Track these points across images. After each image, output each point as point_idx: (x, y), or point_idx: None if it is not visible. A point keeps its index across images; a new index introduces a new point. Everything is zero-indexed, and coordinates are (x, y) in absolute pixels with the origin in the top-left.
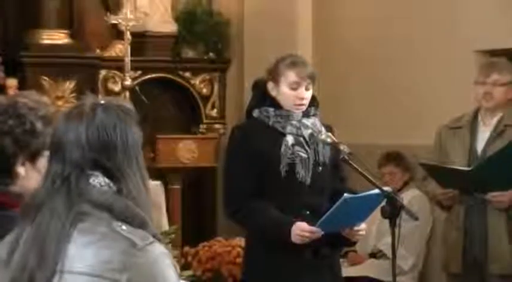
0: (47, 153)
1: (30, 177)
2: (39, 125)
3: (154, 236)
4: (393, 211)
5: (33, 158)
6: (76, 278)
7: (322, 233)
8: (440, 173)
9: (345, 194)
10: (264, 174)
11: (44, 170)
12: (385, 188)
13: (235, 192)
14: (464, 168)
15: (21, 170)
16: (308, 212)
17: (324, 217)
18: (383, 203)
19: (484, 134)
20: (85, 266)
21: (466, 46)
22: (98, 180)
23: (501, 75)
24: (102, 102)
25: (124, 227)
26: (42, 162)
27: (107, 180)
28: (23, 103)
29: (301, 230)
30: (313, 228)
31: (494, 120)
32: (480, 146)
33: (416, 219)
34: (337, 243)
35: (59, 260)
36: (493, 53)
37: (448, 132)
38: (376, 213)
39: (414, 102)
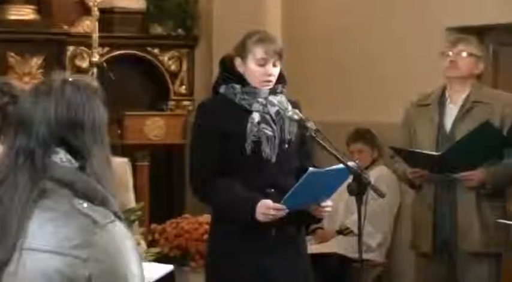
0: None
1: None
2: None
3: (115, 214)
4: (359, 188)
5: None
6: (36, 255)
7: (287, 210)
8: (409, 156)
9: (310, 168)
10: (229, 152)
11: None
12: (350, 164)
13: (200, 168)
14: (434, 153)
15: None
16: (273, 190)
17: (288, 193)
18: (349, 180)
19: (452, 112)
20: (45, 243)
21: (436, 23)
22: (59, 156)
23: (467, 46)
24: (71, 79)
25: (85, 205)
26: None
27: (68, 156)
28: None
29: (266, 207)
30: (278, 205)
31: (462, 97)
32: (448, 124)
33: (382, 196)
34: (302, 221)
35: (20, 237)
36: (464, 30)
37: (416, 110)
38: (344, 190)
39: (382, 80)
